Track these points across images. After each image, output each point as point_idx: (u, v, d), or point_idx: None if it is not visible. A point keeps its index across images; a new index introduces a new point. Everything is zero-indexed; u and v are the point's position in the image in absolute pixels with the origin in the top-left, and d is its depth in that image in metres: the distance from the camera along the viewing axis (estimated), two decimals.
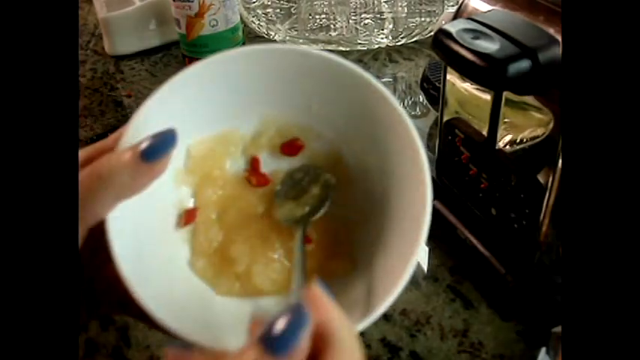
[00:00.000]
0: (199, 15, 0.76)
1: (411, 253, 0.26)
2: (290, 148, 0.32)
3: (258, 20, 0.88)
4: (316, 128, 0.32)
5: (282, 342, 0.20)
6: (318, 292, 0.22)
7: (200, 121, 0.30)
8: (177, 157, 0.29)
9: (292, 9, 0.86)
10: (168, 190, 0.30)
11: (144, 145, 0.25)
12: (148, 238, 0.28)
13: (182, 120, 0.28)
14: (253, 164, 0.32)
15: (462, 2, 0.43)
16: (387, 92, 0.28)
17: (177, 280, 0.29)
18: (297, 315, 0.20)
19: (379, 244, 0.29)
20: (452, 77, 0.46)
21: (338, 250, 0.31)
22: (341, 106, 0.30)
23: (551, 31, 0.35)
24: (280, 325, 0.20)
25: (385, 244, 0.29)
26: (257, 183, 0.32)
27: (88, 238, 0.26)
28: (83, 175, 0.25)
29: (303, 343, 0.20)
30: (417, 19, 0.84)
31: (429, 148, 0.65)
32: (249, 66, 0.29)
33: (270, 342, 0.20)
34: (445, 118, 0.48)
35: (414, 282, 0.47)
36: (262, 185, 0.32)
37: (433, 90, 0.66)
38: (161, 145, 0.25)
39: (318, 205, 0.31)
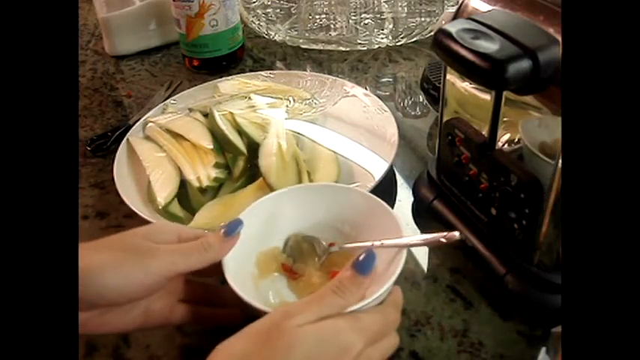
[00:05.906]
0: (199, 15, 0.76)
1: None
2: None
3: (258, 20, 0.88)
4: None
5: (367, 265, 0.35)
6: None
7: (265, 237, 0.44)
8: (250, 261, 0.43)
9: (292, 9, 0.86)
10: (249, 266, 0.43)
11: (223, 228, 0.39)
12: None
13: (255, 233, 0.43)
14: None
15: (462, 2, 0.43)
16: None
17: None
18: (370, 252, 0.35)
19: None
20: (452, 77, 0.46)
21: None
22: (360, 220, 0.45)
23: (551, 31, 0.35)
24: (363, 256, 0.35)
25: None
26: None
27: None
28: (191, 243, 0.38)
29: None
30: (417, 19, 0.84)
31: (429, 148, 0.65)
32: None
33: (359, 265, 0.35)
34: (445, 118, 0.48)
35: (414, 282, 0.47)
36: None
37: (433, 90, 0.66)
38: (232, 225, 0.40)
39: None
